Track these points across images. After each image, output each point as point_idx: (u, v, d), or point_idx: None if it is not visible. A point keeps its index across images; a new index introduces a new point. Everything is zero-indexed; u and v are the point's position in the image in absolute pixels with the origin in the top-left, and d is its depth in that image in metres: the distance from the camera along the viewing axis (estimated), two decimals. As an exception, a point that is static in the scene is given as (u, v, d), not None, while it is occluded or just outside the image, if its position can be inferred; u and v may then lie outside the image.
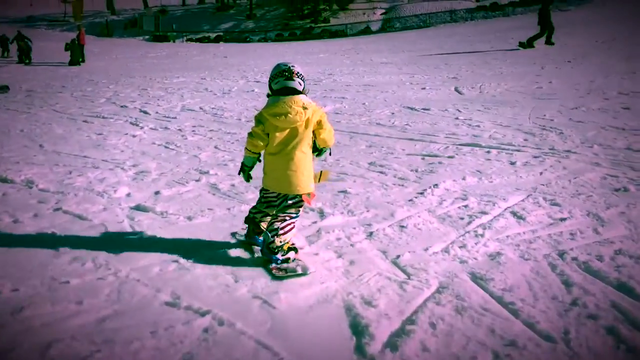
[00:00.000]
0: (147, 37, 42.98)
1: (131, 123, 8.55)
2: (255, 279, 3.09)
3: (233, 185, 5.00)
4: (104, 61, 24.27)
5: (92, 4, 59.32)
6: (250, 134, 3.23)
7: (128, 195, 4.71)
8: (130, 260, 3.31)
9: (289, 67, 3.24)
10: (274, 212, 3.39)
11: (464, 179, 5.01)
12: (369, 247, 3.54)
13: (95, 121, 8.76)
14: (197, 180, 5.16)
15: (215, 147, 6.68)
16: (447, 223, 3.94)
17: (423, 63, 16.01)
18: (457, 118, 7.85)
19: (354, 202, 4.46)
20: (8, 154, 6.31)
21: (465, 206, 4.26)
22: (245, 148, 3.31)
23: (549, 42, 17.72)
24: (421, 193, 4.63)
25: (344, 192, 4.73)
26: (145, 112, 9.51)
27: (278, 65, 3.29)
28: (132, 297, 2.86)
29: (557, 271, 3.10)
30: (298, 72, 3.24)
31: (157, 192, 4.76)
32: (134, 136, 7.48)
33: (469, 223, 3.91)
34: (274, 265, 3.24)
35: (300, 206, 3.36)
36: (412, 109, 8.77)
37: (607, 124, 6.93)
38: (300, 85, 3.24)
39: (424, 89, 10.78)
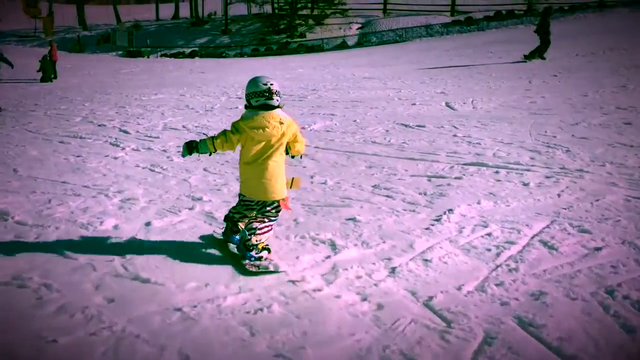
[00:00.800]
0: (120, 52, 42.25)
1: (111, 144, 8.07)
2: (274, 330, 2.69)
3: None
4: (77, 78, 23.59)
5: (62, 19, 58.29)
6: (222, 134, 3.47)
7: (116, 227, 4.26)
8: (126, 309, 2.88)
9: (269, 87, 3.42)
10: (254, 214, 3.63)
11: (478, 202, 4.68)
12: (394, 286, 3.16)
13: (73, 142, 8.24)
14: (190, 209, 4.72)
15: (205, 170, 6.25)
16: (474, 255, 3.59)
17: (407, 77, 15.78)
18: (455, 135, 7.55)
19: (366, 231, 4.08)
20: (-22, 180, 5.80)
21: (489, 235, 3.93)
22: (212, 139, 3.49)
23: (541, 56, 17.40)
24: (437, 220, 4.29)
25: (353, 219, 4.35)
26: (126, 132, 9.03)
27: (256, 83, 3.44)
28: (132, 357, 2.43)
29: (611, 312, 2.78)
30: (277, 91, 3.46)
31: (147, 224, 4.32)
32: (115, 158, 7.00)
33: (498, 255, 3.57)
34: (247, 261, 3.50)
35: (279, 210, 3.61)
36: (406, 125, 8.46)
37: (614, 140, 6.70)
38: (278, 101, 3.49)
39: (414, 104, 10.50)
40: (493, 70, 15.73)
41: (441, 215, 4.37)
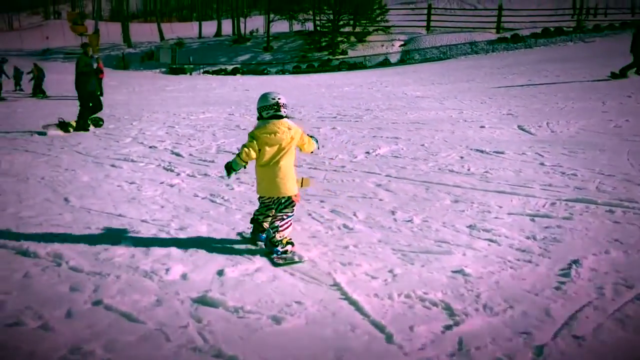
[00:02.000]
0: (163, 69, 42.56)
1: (165, 168, 7.56)
2: None
3: (313, 262, 3.94)
4: (123, 95, 23.57)
5: (108, 36, 59.37)
6: (244, 146, 4.05)
7: (184, 277, 3.65)
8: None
9: (277, 101, 4.03)
10: (273, 213, 4.16)
11: (607, 252, 3.92)
12: (550, 377, 2.45)
13: (124, 166, 7.77)
14: (263, 255, 4.09)
15: (271, 202, 5.64)
16: (632, 329, 2.85)
17: (464, 97, 15.03)
18: (542, 164, 6.78)
19: (483, 290, 3.37)
20: (28, 212, 5.29)
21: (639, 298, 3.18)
22: (238, 156, 4.08)
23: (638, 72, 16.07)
24: (564, 275, 3.55)
25: (461, 272, 3.65)
26: (178, 155, 8.54)
27: (266, 98, 4.07)
28: None
29: None
30: (284, 104, 4.07)
31: (220, 272, 3.71)
32: (171, 186, 6.47)
33: (666, 330, 2.82)
34: (275, 255, 3.99)
35: (293, 206, 4.17)
36: (482, 151, 7.72)
37: None
38: (285, 112, 4.09)
39: (483, 127, 9.74)
40: (556, 90, 14.83)
41: (567, 269, 3.63)
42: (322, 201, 5.61)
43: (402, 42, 45.97)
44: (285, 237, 4.07)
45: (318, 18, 48.22)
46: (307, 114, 13.35)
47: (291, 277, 3.68)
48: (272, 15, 49.01)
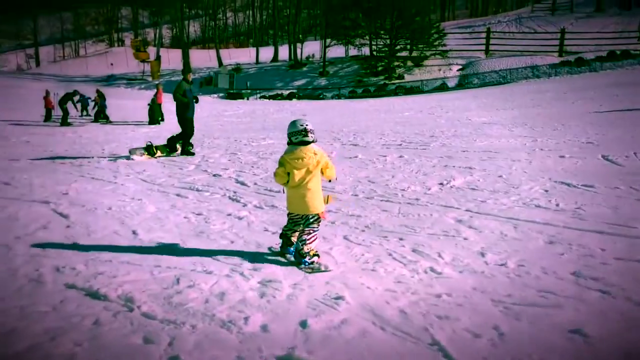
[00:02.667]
0: (221, 94, 43.24)
1: (231, 198, 7.33)
2: None
3: (404, 313, 3.53)
4: (183, 120, 23.85)
5: (168, 63, 61.12)
6: (275, 174, 4.50)
7: (264, 328, 3.31)
8: None
9: (305, 127, 4.38)
10: (301, 228, 4.56)
11: None
12: None
13: (190, 195, 7.59)
14: (349, 302, 3.72)
15: (346, 239, 5.28)
16: None
17: (534, 123, 14.37)
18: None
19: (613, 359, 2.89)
20: (97, 245, 5.10)
21: None
22: (276, 177, 4.51)
23: None
24: None
25: (579, 332, 3.16)
26: (243, 184, 8.32)
27: (295, 125, 4.43)
28: None
29: None
30: (311, 129, 4.42)
31: (303, 324, 3.36)
32: (239, 218, 6.20)
33: None
34: (303, 266, 4.43)
35: (319, 221, 4.60)
36: (568, 184, 7.16)
37: None
38: (312, 137, 4.42)
39: (562, 157, 9.15)
40: (636, 117, 13.98)
41: None
42: (401, 239, 5.22)
43: (460, 66, 45.23)
44: (312, 250, 4.56)
45: (374, 43, 48.12)
46: (370, 140, 13.01)
47: (382, 332, 3.28)
48: (328, 41, 49.24)
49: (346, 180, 8.31)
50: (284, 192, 4.68)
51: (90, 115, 24.44)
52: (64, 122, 21.63)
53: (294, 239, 4.69)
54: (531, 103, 22.11)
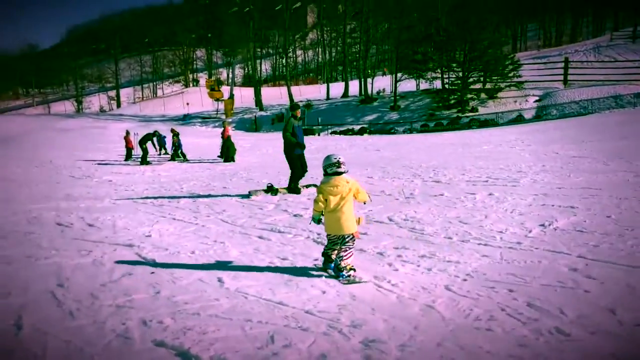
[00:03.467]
0: (293, 131, 43.61)
1: (315, 241, 6.98)
2: None
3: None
4: (257, 157, 24.04)
5: (241, 101, 62.63)
6: (315, 201, 5.37)
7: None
8: None
9: (338, 160, 5.29)
10: (338, 247, 5.39)
11: None
12: None
13: (272, 237, 7.30)
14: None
15: (449, 289, 4.77)
16: None
17: (630, 156, 13.34)
18: None
19: None
20: (183, 295, 4.83)
21: None
22: (313, 209, 5.44)
23: None
24: None
25: None
26: (326, 225, 7.95)
27: (329, 158, 5.35)
28: None
29: None
30: (343, 162, 5.32)
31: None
32: (327, 264, 5.81)
33: None
34: (341, 279, 5.23)
35: (354, 240, 5.39)
36: (692, 227, 6.37)
37: None
38: (344, 169, 5.32)
39: (677, 194, 8.29)
40: None
41: None
42: (511, 290, 4.67)
43: (537, 97, 43.67)
44: (349, 264, 5.31)
45: (446, 75, 47.45)
46: (452, 177, 12.42)
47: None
48: (399, 75, 48.99)
49: (435, 220, 7.80)
50: (317, 222, 5.47)
51: (168, 154, 25.04)
52: (144, 161, 22.24)
53: (333, 257, 5.47)
54: (619, 134, 20.82)
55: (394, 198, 10.01)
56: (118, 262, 6.13)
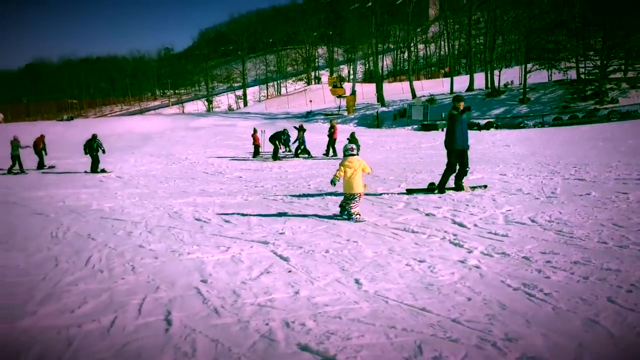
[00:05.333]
0: (415, 126, 42.90)
1: (452, 242, 6.64)
2: None
3: None
4: (380, 153, 23.84)
5: (363, 97, 62.74)
6: (338, 170, 8.43)
7: None
8: None
9: (352, 147, 8.58)
10: (350, 201, 8.41)
11: None
12: None
13: (406, 237, 7.06)
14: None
15: (612, 302, 4.27)
16: None
17: None
18: None
19: None
20: (322, 296, 4.74)
21: None
22: (335, 175, 8.46)
23: None
24: None
25: None
26: (461, 225, 7.57)
27: (346, 147, 8.68)
28: None
29: None
30: (354, 148, 8.66)
31: None
32: (469, 269, 5.48)
33: None
34: (351, 220, 8.23)
35: (360, 197, 8.44)
36: None
37: None
38: (355, 152, 8.60)
39: None
40: None
41: None
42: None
43: (689, 86, 39.59)
44: (356, 212, 8.36)
45: (582, 65, 44.33)
46: (597, 174, 11.43)
47: None
48: (529, 66, 46.50)
49: (584, 223, 7.14)
50: (333, 184, 8.63)
51: (291, 151, 25.62)
52: (275, 156, 23.24)
53: (346, 207, 8.53)
54: None
55: (533, 197, 9.37)
56: (255, 259, 6.21)
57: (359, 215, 8.28)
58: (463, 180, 10.69)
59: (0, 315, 4.65)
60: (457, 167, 10.61)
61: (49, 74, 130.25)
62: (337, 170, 8.40)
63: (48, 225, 9.35)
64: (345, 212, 8.48)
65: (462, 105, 10.58)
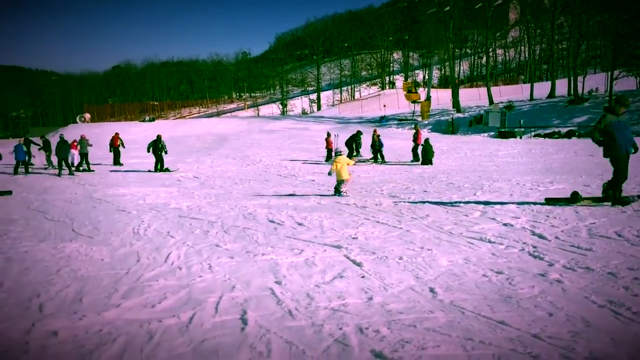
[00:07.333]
0: (492, 133, 41.78)
1: (531, 255, 6.38)
2: None
3: None
4: (455, 160, 23.41)
5: (437, 102, 61.83)
6: (332, 165, 13.18)
7: None
8: None
9: (341, 151, 13.70)
10: (341, 184, 12.86)
11: None
12: None
13: (482, 247, 6.87)
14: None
15: None
16: None
17: None
18: None
19: None
20: (396, 303, 4.68)
21: None
22: (331, 169, 13.01)
23: None
24: None
25: None
26: (542, 237, 7.27)
27: (337, 148, 14.76)
28: None
29: None
30: (342, 151, 13.77)
31: None
32: (550, 282, 5.26)
33: None
34: (340, 196, 12.52)
35: (347, 181, 12.91)
36: None
37: None
38: (343, 153, 13.70)
39: None
40: None
41: None
42: None
43: None
44: (345, 191, 12.74)
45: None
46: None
47: None
48: (615, 72, 44.32)
49: (677, 240, 6.70)
50: (330, 175, 13.00)
51: (361, 155, 25.58)
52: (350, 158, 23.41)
53: (339, 189, 12.79)
54: None
55: (619, 210, 8.89)
56: (329, 263, 6.23)
57: (346, 192, 12.72)
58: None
59: (86, 305, 4.88)
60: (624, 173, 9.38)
61: (133, 76, 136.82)
62: (331, 165, 12.95)
63: (130, 222, 9.77)
64: (338, 193, 12.73)
65: (622, 110, 9.32)
